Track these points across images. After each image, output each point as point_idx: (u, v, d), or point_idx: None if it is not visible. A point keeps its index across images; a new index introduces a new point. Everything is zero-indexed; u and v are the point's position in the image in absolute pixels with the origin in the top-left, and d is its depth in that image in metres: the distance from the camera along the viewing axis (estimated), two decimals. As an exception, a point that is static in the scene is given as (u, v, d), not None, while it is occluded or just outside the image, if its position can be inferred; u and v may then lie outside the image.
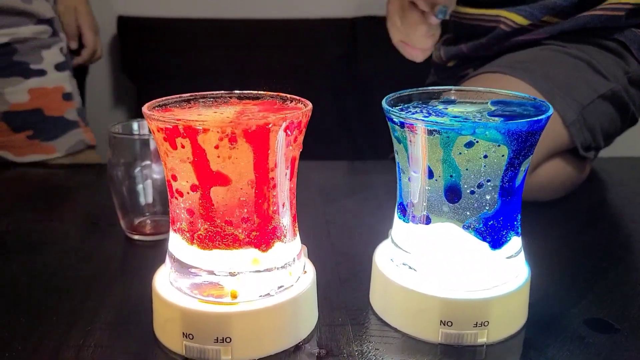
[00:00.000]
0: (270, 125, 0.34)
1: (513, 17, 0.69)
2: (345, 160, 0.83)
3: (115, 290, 0.46)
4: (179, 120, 0.34)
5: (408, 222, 0.41)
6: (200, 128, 0.34)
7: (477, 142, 0.35)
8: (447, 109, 0.41)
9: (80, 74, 1.30)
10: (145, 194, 0.56)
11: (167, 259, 0.40)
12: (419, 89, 0.43)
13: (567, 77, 0.64)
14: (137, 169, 0.54)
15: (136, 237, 0.56)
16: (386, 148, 0.85)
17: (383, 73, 1.19)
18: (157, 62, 1.30)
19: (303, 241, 0.43)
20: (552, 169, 0.62)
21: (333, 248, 0.53)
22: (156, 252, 0.52)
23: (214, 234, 0.36)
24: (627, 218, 0.65)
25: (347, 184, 0.72)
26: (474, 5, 0.73)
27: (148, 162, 0.54)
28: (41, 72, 0.84)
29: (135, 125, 0.57)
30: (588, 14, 0.66)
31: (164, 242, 0.54)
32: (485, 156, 0.36)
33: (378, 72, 1.27)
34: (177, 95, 0.40)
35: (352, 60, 1.32)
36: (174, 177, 0.36)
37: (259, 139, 0.34)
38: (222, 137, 0.34)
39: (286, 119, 0.35)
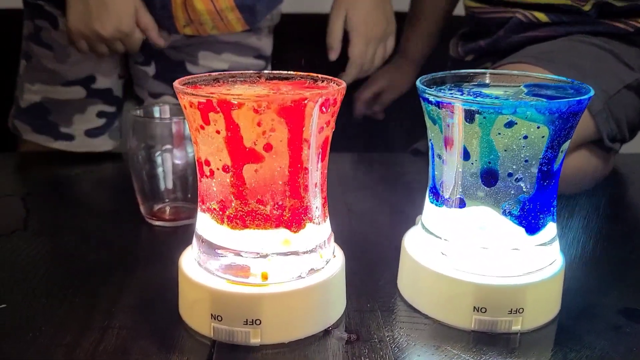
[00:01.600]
0: (306, 101, 0.33)
1: (533, 12, 0.68)
2: (363, 153, 0.82)
3: (138, 274, 0.45)
4: (213, 94, 0.33)
5: (441, 206, 0.40)
6: (235, 102, 0.33)
7: (517, 122, 0.34)
8: (485, 90, 0.40)
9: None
10: (166, 179, 0.55)
11: (195, 240, 0.39)
12: (452, 71, 0.42)
13: (592, 67, 0.63)
14: (158, 153, 0.53)
15: (156, 223, 0.55)
16: (403, 141, 0.85)
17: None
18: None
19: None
20: (578, 160, 0.61)
21: (357, 236, 0.52)
22: (177, 238, 0.52)
23: (245, 214, 0.35)
24: None
25: (365, 175, 0.71)
26: (490, 3, 0.73)
27: (169, 147, 0.53)
28: None
29: (156, 109, 0.56)
30: (610, 23, 0.66)
31: (184, 228, 0.53)
32: (525, 137, 0.35)
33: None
34: (207, 74, 0.39)
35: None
36: (205, 155, 0.36)
37: (295, 115, 0.34)
38: (258, 112, 0.33)
39: (322, 95, 0.34)
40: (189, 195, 0.55)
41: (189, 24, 0.75)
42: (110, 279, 0.44)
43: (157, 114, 0.56)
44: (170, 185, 0.55)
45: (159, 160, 0.54)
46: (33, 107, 0.77)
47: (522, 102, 0.34)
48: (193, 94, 0.34)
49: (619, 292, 0.44)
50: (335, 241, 0.43)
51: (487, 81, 0.42)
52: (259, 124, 0.33)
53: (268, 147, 0.34)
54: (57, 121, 0.77)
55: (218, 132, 0.34)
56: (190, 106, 0.34)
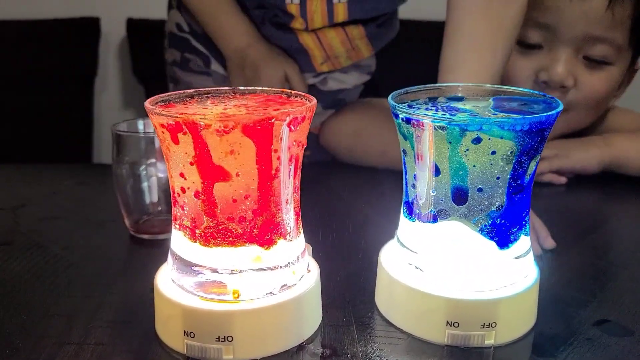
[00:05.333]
0: (273, 120, 0.34)
1: None
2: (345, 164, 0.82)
3: (117, 289, 0.46)
4: (181, 114, 0.34)
5: (414, 221, 0.40)
6: (202, 123, 0.33)
7: (484, 139, 0.35)
8: (452, 104, 0.41)
9: (88, 75, 1.31)
10: (150, 193, 0.55)
11: (169, 257, 0.39)
12: (426, 85, 0.42)
13: None
14: (142, 167, 0.54)
15: (140, 236, 0.55)
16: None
17: (394, 74, 1.19)
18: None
19: (308, 240, 0.42)
20: None
21: (338, 247, 0.52)
22: (160, 251, 0.52)
23: (216, 231, 0.36)
24: (636, 221, 0.63)
25: (352, 184, 0.71)
26: None
27: (153, 161, 0.54)
28: None
29: (140, 124, 0.57)
30: None
31: (168, 241, 0.53)
32: (494, 152, 0.35)
33: (389, 73, 1.26)
34: (181, 91, 0.40)
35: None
36: (176, 173, 0.36)
37: (262, 134, 0.34)
38: (224, 132, 0.33)
39: (289, 114, 0.34)
40: (174, 208, 0.56)
41: (325, 61, 0.81)
42: (91, 294, 0.45)
43: (140, 127, 0.57)
44: (155, 199, 0.55)
45: (142, 174, 0.54)
46: None
47: (488, 119, 0.34)
48: (162, 114, 0.34)
49: (598, 303, 0.44)
50: (314, 254, 0.43)
51: (460, 95, 0.43)
52: (226, 144, 0.34)
53: (237, 166, 0.34)
54: None
55: (187, 153, 0.34)
56: (160, 126, 0.35)
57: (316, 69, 0.81)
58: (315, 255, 0.43)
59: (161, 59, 0.92)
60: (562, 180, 0.70)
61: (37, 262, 0.50)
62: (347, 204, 0.64)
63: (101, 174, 0.74)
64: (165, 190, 0.55)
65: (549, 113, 0.35)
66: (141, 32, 1.31)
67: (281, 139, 0.35)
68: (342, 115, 0.79)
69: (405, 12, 0.93)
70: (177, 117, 0.34)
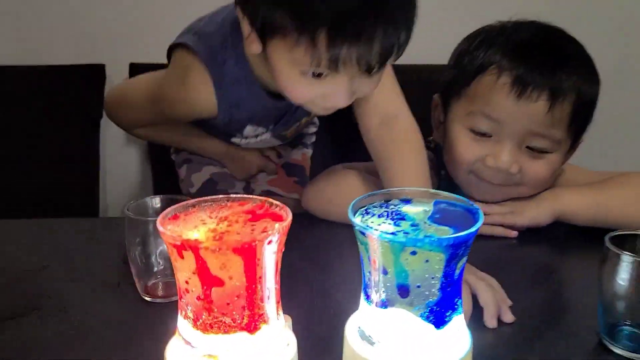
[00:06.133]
0: (255, 242, 0.44)
1: None
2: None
3: (133, 352, 0.56)
4: (185, 241, 0.44)
5: (370, 305, 0.50)
6: (202, 246, 0.43)
7: (419, 251, 0.45)
8: (403, 208, 0.51)
9: (95, 116, 1.41)
10: (157, 262, 0.66)
11: (177, 336, 0.49)
12: (381, 190, 0.53)
13: None
14: (150, 244, 0.64)
15: (149, 299, 0.66)
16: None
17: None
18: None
19: (288, 311, 0.52)
20: None
21: (315, 314, 0.62)
22: (167, 314, 0.61)
23: (212, 323, 0.46)
24: (572, 278, 0.74)
25: (331, 241, 0.81)
26: None
27: (160, 239, 0.64)
28: None
29: (148, 203, 0.67)
30: None
31: (174, 304, 0.64)
32: (427, 261, 0.45)
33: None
34: (184, 202, 0.50)
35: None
36: (182, 278, 0.46)
37: (248, 251, 0.44)
38: (218, 251, 0.44)
39: (269, 235, 0.45)
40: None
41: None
42: (111, 358, 0.55)
43: (149, 207, 0.67)
44: (161, 267, 0.66)
45: (151, 248, 0.65)
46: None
47: (420, 240, 0.45)
48: (169, 235, 0.44)
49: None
50: (295, 319, 0.53)
51: (409, 197, 0.53)
52: (220, 259, 0.44)
53: (228, 275, 0.45)
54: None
55: (190, 265, 0.45)
56: (169, 244, 0.45)
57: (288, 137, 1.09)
58: (295, 322, 0.53)
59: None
60: (514, 234, 0.81)
61: (64, 329, 0.61)
62: (327, 262, 0.74)
63: (112, 230, 0.85)
64: (169, 259, 0.65)
65: (470, 231, 0.45)
66: (142, 75, 1.41)
67: (263, 252, 0.45)
68: (318, 183, 0.89)
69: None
70: (182, 239, 0.44)
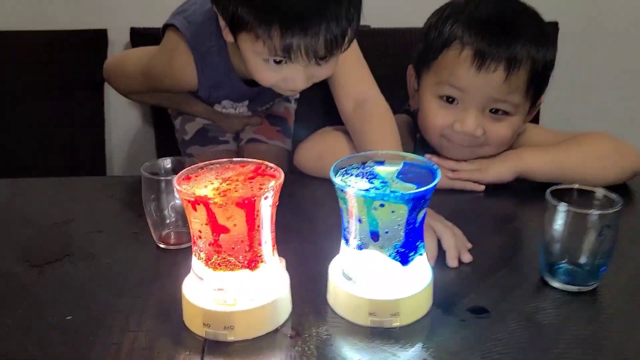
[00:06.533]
0: (254, 198, 0.55)
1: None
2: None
3: (155, 290, 0.67)
4: (198, 196, 0.54)
5: (348, 247, 0.61)
6: (211, 202, 0.54)
7: (387, 204, 0.56)
8: (376, 169, 0.61)
9: (99, 80, 1.50)
10: (170, 215, 0.76)
11: (192, 274, 0.61)
12: (357, 154, 0.63)
13: None
14: (163, 200, 0.75)
15: (164, 246, 0.77)
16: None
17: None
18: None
19: (283, 254, 0.63)
20: None
21: (306, 257, 0.73)
22: (181, 259, 0.72)
23: (221, 262, 0.57)
24: (526, 226, 0.85)
25: (319, 196, 0.92)
26: None
27: (171, 195, 0.74)
28: None
29: (160, 164, 0.77)
30: None
31: (186, 250, 0.75)
32: (393, 211, 0.56)
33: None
34: (195, 165, 0.61)
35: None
36: (196, 227, 0.57)
37: (248, 205, 0.55)
38: (224, 206, 0.54)
39: (265, 191, 0.55)
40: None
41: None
42: (138, 295, 0.66)
43: (161, 167, 0.77)
44: (173, 219, 0.77)
45: (164, 203, 0.75)
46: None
47: (386, 195, 0.55)
48: (185, 194, 0.55)
49: (476, 294, 0.66)
50: (288, 261, 0.65)
51: (382, 160, 0.63)
52: (226, 211, 0.55)
53: (233, 224, 0.55)
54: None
55: (202, 217, 0.55)
56: (184, 200, 0.56)
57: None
58: (288, 264, 0.65)
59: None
60: (481, 188, 0.92)
61: (93, 272, 0.72)
62: (314, 215, 0.85)
63: (128, 186, 0.95)
64: (180, 212, 0.76)
65: (428, 187, 0.56)
66: (143, 39, 1.48)
67: (260, 205, 0.56)
68: (309, 143, 0.99)
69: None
70: (195, 196, 0.54)
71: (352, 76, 0.97)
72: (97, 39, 1.46)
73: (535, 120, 1.46)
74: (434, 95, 0.92)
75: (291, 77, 0.87)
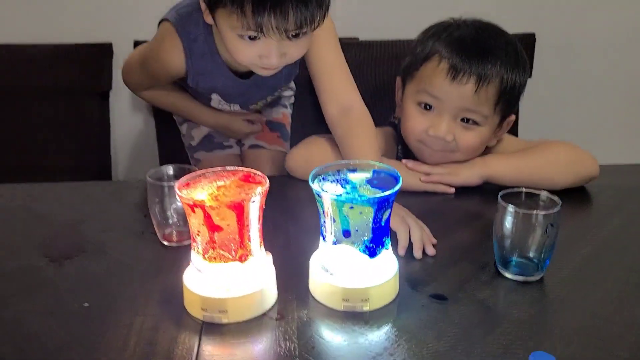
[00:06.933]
0: (243, 201, 0.65)
1: None
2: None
3: (160, 281, 0.77)
4: (196, 200, 0.65)
5: (325, 242, 0.71)
6: (207, 205, 0.64)
7: (354, 207, 0.66)
8: (349, 175, 0.72)
9: (105, 90, 1.60)
10: (172, 216, 0.87)
11: (191, 265, 0.71)
12: (335, 162, 0.73)
13: None
14: (166, 203, 0.85)
15: (167, 243, 0.87)
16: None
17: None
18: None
19: (270, 250, 0.74)
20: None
21: (291, 251, 0.83)
22: (182, 254, 0.83)
23: (215, 256, 0.67)
24: (488, 225, 0.95)
25: (306, 201, 1.02)
26: None
27: (174, 198, 0.85)
28: None
29: (164, 170, 0.87)
30: None
31: (186, 246, 0.85)
32: (361, 213, 0.67)
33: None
34: (193, 173, 0.71)
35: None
36: (194, 226, 0.67)
37: (238, 207, 0.65)
38: (217, 209, 0.64)
39: (253, 196, 0.65)
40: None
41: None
42: (144, 284, 0.77)
43: (164, 174, 0.87)
44: (175, 220, 0.87)
45: (167, 206, 0.85)
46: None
47: (354, 199, 0.66)
48: (185, 198, 0.65)
49: (437, 283, 0.76)
50: (276, 255, 0.75)
51: (355, 167, 0.73)
52: (220, 213, 0.65)
53: (226, 224, 0.66)
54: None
55: (199, 218, 0.65)
56: (184, 203, 0.66)
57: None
58: (276, 258, 0.75)
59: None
60: (452, 191, 1.02)
61: (105, 266, 0.82)
62: (300, 214, 0.95)
63: (134, 190, 1.05)
64: (181, 213, 0.86)
65: (390, 192, 0.66)
66: (146, 51, 1.59)
67: (249, 208, 0.66)
68: (298, 149, 1.09)
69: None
70: (194, 200, 0.65)
71: (337, 83, 1.06)
72: (103, 51, 1.56)
73: (515, 127, 1.57)
74: (414, 102, 1.03)
75: (266, 54, 0.95)
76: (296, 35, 0.93)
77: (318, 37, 1.02)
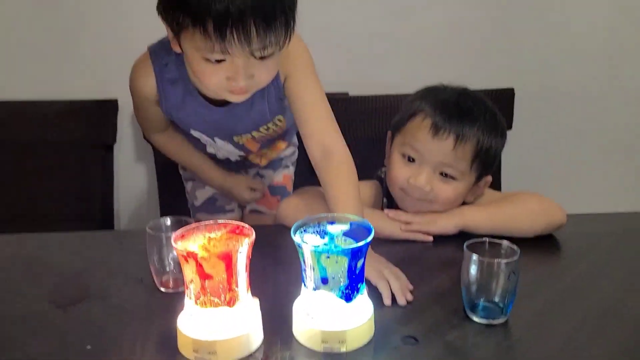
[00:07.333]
0: (231, 252, 0.73)
1: None
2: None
3: (157, 324, 0.85)
4: (189, 252, 0.73)
5: (306, 289, 0.79)
6: (199, 256, 0.72)
7: (331, 256, 0.74)
8: (328, 227, 0.80)
9: (110, 143, 1.70)
10: (169, 264, 0.94)
11: (185, 311, 0.78)
12: (316, 216, 0.81)
13: None
14: (164, 252, 0.93)
15: (164, 290, 0.94)
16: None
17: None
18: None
19: (257, 295, 0.81)
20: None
21: (277, 297, 0.90)
22: (177, 300, 0.90)
23: (206, 301, 0.75)
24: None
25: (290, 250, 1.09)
26: None
27: (171, 248, 0.93)
28: None
29: (162, 222, 0.96)
30: None
31: (181, 293, 0.92)
32: (337, 262, 0.74)
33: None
34: (188, 226, 0.79)
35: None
36: (187, 275, 0.75)
37: (227, 257, 0.73)
38: (208, 259, 0.72)
39: (239, 248, 0.73)
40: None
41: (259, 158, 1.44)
42: (143, 327, 0.84)
43: (163, 225, 0.95)
44: (172, 267, 0.94)
45: (165, 255, 0.93)
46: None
47: (330, 250, 0.74)
48: (179, 249, 0.73)
49: (410, 325, 0.83)
50: (261, 300, 0.82)
51: (333, 220, 0.81)
52: (210, 263, 0.73)
53: (215, 272, 0.73)
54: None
55: (192, 267, 0.73)
56: (178, 254, 0.74)
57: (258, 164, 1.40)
58: (263, 303, 0.82)
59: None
60: (429, 239, 1.10)
61: (107, 310, 0.89)
62: (288, 262, 1.03)
63: (134, 239, 1.13)
64: (177, 262, 0.94)
65: (362, 244, 0.74)
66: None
67: (237, 258, 0.74)
68: (290, 199, 1.18)
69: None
70: (187, 251, 0.73)
71: (317, 123, 1.11)
72: (108, 107, 1.67)
73: (497, 179, 1.65)
74: (399, 153, 1.12)
75: (233, 76, 0.97)
76: (263, 57, 0.96)
77: (295, 72, 1.09)
